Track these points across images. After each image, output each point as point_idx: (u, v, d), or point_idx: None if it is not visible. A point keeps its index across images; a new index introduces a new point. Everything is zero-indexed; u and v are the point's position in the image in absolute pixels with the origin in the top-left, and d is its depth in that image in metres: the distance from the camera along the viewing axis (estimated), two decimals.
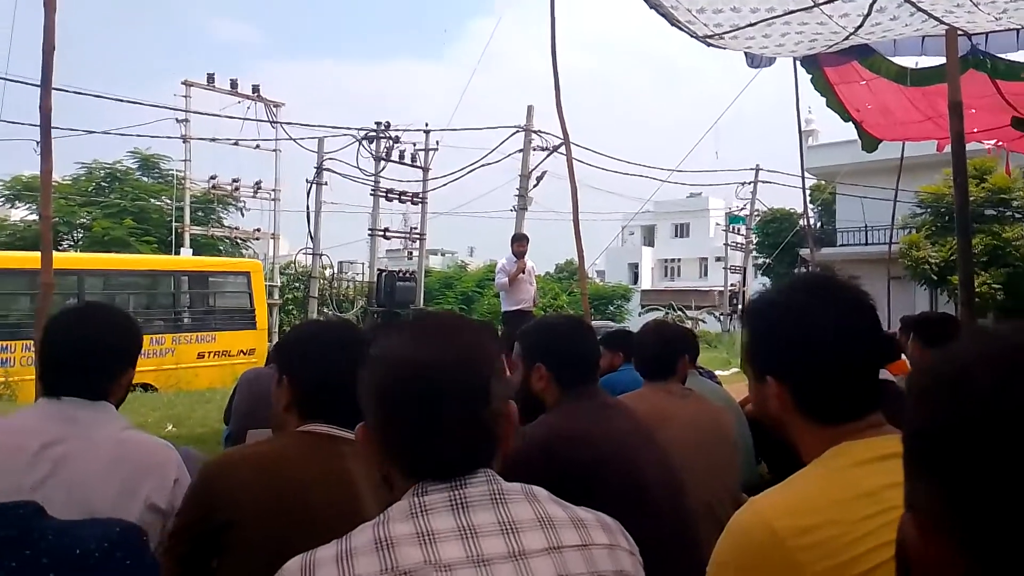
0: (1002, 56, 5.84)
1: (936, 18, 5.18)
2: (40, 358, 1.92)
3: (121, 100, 17.44)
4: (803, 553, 0.99)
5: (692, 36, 5.95)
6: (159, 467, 1.84)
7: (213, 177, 19.97)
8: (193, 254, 17.60)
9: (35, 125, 3.88)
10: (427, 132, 18.24)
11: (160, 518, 1.77)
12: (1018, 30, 5.61)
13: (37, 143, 3.92)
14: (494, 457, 1.08)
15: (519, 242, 8.46)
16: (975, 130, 7.17)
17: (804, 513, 1.03)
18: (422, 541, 0.96)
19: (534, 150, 17.31)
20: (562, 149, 7.29)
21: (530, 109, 17.55)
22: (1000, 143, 8.16)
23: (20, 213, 22.86)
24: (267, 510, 1.49)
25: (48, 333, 1.94)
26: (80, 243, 21.31)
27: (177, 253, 17.74)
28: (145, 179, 23.13)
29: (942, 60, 5.58)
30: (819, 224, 28.29)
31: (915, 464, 0.53)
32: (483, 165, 16.84)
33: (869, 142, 7.74)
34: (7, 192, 22.11)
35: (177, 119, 18.39)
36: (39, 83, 3.74)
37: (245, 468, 1.57)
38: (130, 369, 1.97)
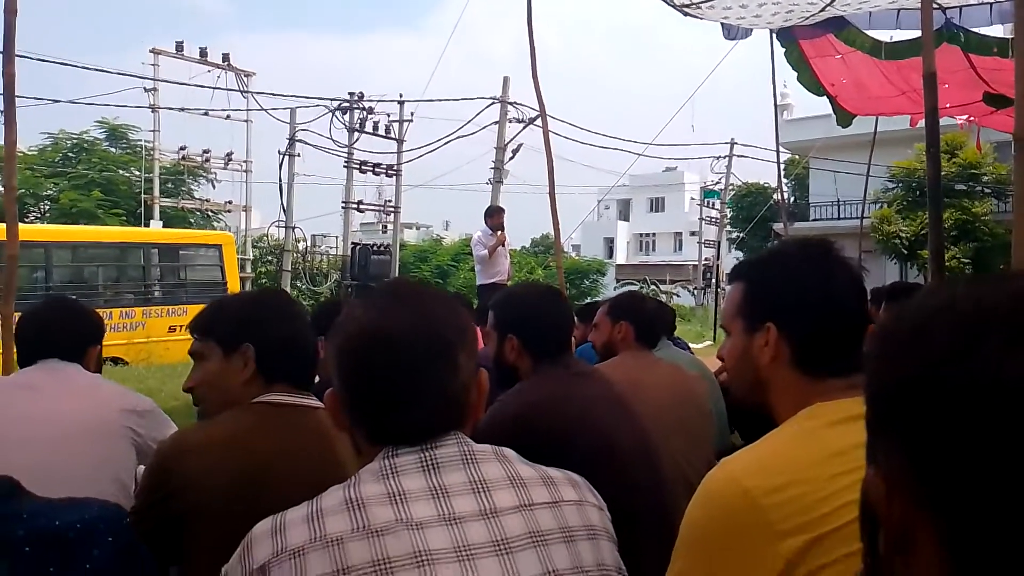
0: (975, 30, 5.88)
1: None
2: (19, 340, 2.26)
3: (87, 68, 16.93)
4: (774, 511, 1.00)
5: (669, 5, 5.92)
6: (128, 392, 2.24)
7: (183, 148, 19.63)
8: (163, 226, 17.32)
9: None
10: (401, 103, 18.04)
11: (133, 434, 2.10)
12: (991, 4, 5.65)
13: (0, 112, 3.81)
14: (464, 424, 1.08)
15: (496, 215, 8.43)
16: (947, 105, 7.23)
17: (775, 472, 1.04)
18: (393, 501, 0.96)
19: (510, 122, 17.19)
20: (538, 122, 7.25)
21: (506, 80, 17.40)
22: (972, 118, 8.25)
23: None
24: (229, 489, 1.45)
25: (24, 319, 2.29)
26: (47, 215, 20.90)
27: (147, 225, 17.45)
28: (113, 150, 22.64)
29: (917, 33, 5.60)
30: (792, 199, 28.50)
31: (875, 422, 0.53)
32: (458, 137, 16.71)
33: (844, 117, 7.78)
34: None
35: (145, 88, 18.00)
36: (0, 49, 3.63)
37: (204, 450, 1.52)
38: (97, 345, 2.32)
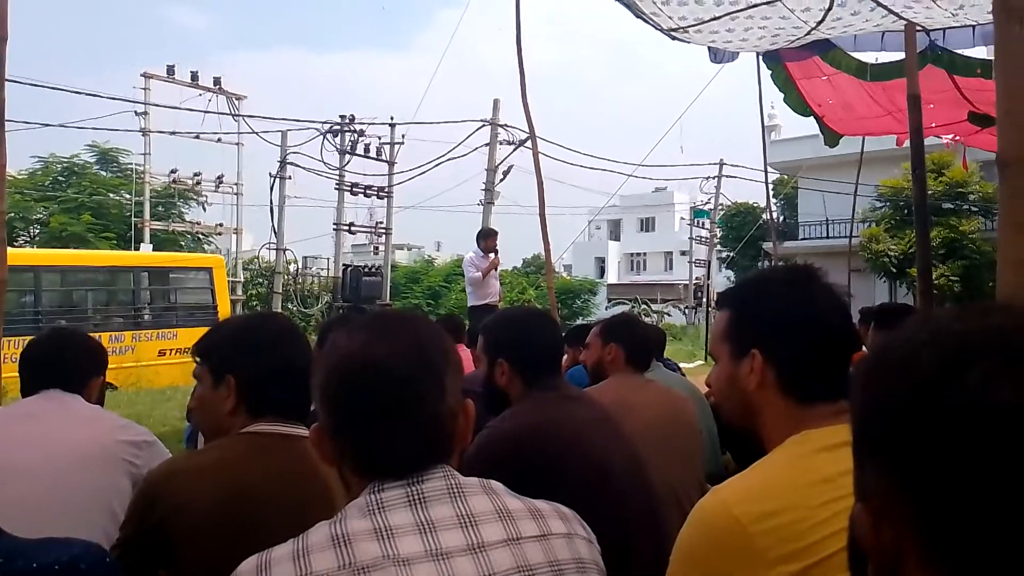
0: (959, 52, 5.96)
1: (895, 13, 5.26)
2: (22, 370, 2.27)
3: (78, 92, 16.88)
4: (763, 538, 1.00)
5: (656, 29, 5.98)
6: (130, 425, 2.27)
7: (174, 171, 19.62)
8: (154, 250, 17.29)
9: None
10: (392, 125, 18.08)
11: (130, 466, 2.09)
12: (974, 26, 5.72)
13: None
14: (451, 454, 1.07)
15: (490, 238, 8.45)
16: (933, 124, 7.31)
17: (764, 499, 1.04)
18: (380, 536, 0.95)
19: (501, 144, 17.27)
20: (528, 144, 7.28)
21: (496, 103, 17.49)
22: (957, 137, 8.33)
23: None
24: (215, 520, 1.43)
25: (28, 348, 2.31)
26: (37, 239, 20.82)
27: (137, 249, 17.40)
28: (104, 173, 22.63)
29: (901, 55, 5.67)
30: (782, 218, 28.67)
31: (864, 448, 0.53)
32: (449, 159, 16.75)
33: (831, 137, 7.86)
34: None
35: (136, 112, 18.01)
36: None
37: (193, 476, 1.50)
38: (100, 377, 2.37)
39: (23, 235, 20.82)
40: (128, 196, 20.43)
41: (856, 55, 6.41)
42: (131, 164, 21.09)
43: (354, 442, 1.04)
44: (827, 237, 25.35)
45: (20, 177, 20.78)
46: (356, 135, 17.49)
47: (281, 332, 1.68)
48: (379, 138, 17.97)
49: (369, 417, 1.02)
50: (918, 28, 5.02)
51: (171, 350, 12.59)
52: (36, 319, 11.28)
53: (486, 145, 17.26)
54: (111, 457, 2.10)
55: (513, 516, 1.03)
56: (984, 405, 0.45)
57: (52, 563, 0.84)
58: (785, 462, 1.11)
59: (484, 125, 17.14)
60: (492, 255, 8.26)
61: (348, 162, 17.65)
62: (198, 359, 1.68)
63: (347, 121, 17.39)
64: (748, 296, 1.30)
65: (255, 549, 0.98)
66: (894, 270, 21.16)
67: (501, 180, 17.23)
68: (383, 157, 18.12)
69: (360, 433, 1.04)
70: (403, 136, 18.13)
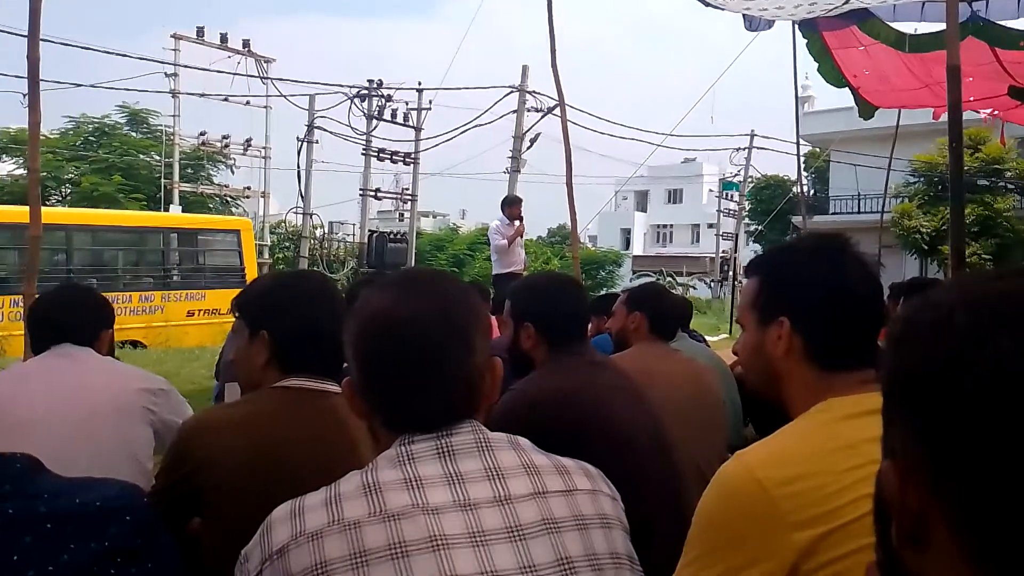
0: (1001, 23, 5.80)
1: None
2: (31, 327, 2.32)
3: (109, 52, 17.02)
4: (785, 502, 1.01)
5: None
6: (145, 373, 2.33)
7: (203, 133, 19.75)
8: (182, 211, 17.45)
9: (22, 77, 3.81)
10: (420, 91, 18.03)
11: (149, 413, 2.17)
12: None
13: (24, 95, 3.85)
14: (478, 410, 1.09)
15: (515, 205, 8.43)
16: (971, 99, 7.14)
17: (788, 464, 1.05)
18: (410, 486, 0.98)
19: (528, 111, 17.14)
20: (557, 111, 7.23)
21: (524, 69, 17.32)
22: (995, 112, 8.13)
23: (6, 167, 22.55)
24: (249, 472, 1.47)
25: (35, 305, 2.36)
26: (68, 198, 21.09)
27: (166, 210, 17.57)
28: (134, 134, 22.79)
29: (942, 26, 5.53)
30: (812, 191, 28.28)
31: (893, 408, 0.53)
32: (476, 126, 16.68)
33: (866, 109, 7.71)
34: None
35: (166, 73, 18.09)
36: (26, 33, 3.67)
37: (224, 429, 1.54)
38: (109, 329, 2.37)
39: (55, 194, 21.09)
40: (158, 157, 20.60)
41: (895, 25, 6.26)
42: (161, 125, 21.22)
43: (384, 397, 1.07)
44: (858, 212, 24.99)
45: (52, 137, 21.00)
46: (383, 100, 17.47)
47: (315, 291, 1.70)
48: (406, 103, 17.95)
49: (399, 372, 1.05)
50: None
51: (199, 311, 12.77)
52: (68, 277, 11.47)
53: (513, 112, 17.16)
54: (131, 405, 2.16)
55: (539, 471, 1.05)
56: (1015, 370, 0.45)
57: (93, 500, 0.87)
58: (809, 428, 1.12)
59: (512, 91, 17.02)
60: (517, 222, 8.25)
61: (375, 127, 17.65)
62: (237, 312, 1.73)
63: (375, 86, 17.35)
64: (778, 263, 1.30)
65: (284, 500, 1.01)
66: (925, 247, 20.85)
67: (528, 148, 17.14)
68: (410, 123, 18.09)
69: (390, 388, 1.06)
70: (430, 102, 18.10)
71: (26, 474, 0.88)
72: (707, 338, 6.60)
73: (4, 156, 22.17)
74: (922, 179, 21.84)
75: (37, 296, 2.41)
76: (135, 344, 10.99)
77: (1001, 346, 0.46)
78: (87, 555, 0.82)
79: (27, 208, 3.83)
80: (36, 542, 0.80)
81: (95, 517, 0.86)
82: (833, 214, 26.33)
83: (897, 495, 0.51)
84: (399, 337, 1.05)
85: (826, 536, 0.99)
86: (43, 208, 3.98)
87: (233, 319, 1.85)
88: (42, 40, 3.76)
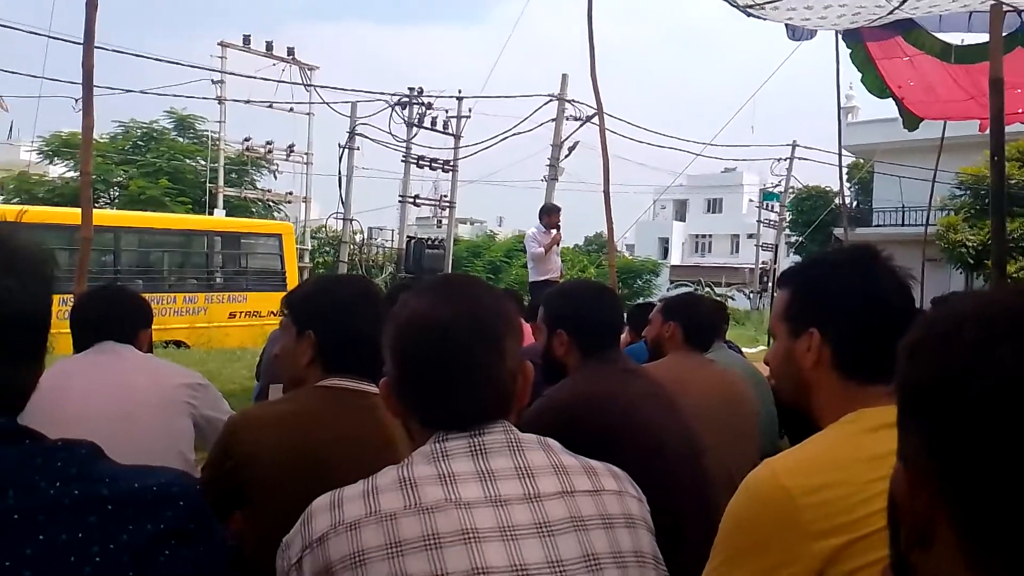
0: None
1: None
2: (74, 326, 2.40)
3: (159, 60, 17.53)
4: (810, 511, 1.03)
5: (732, 5, 5.86)
6: (184, 369, 2.44)
7: (247, 139, 20.11)
8: (226, 215, 17.78)
9: (75, 83, 3.96)
10: (460, 99, 18.15)
11: (190, 408, 2.25)
12: None
13: (76, 100, 4.00)
14: (510, 411, 1.13)
15: (553, 214, 8.46)
16: (1020, 110, 6.99)
17: (814, 472, 1.06)
18: (443, 481, 1.02)
19: (567, 120, 17.16)
20: (595, 120, 7.24)
21: (564, 77, 17.36)
22: None
23: (58, 170, 23.20)
24: (290, 467, 1.53)
25: (77, 304, 2.45)
26: (116, 201, 21.61)
27: (211, 214, 17.93)
28: (181, 139, 23.30)
29: (987, 37, 5.44)
30: (855, 203, 27.83)
31: (905, 417, 0.55)
32: (515, 134, 16.74)
33: (910, 120, 7.59)
34: (47, 148, 22.44)
35: (212, 80, 18.51)
36: (81, 40, 3.80)
37: (268, 426, 1.60)
38: (148, 328, 2.48)
39: (104, 197, 21.63)
40: (203, 162, 21.04)
41: (940, 36, 6.17)
42: (207, 131, 21.67)
43: (419, 396, 1.11)
44: (902, 224, 24.52)
45: (102, 141, 21.53)
46: (424, 108, 17.62)
47: (359, 295, 1.76)
48: (446, 111, 18.08)
49: (433, 373, 1.09)
50: (1008, 8, 4.81)
51: (241, 312, 13.00)
52: (115, 278, 11.76)
53: (552, 120, 17.19)
54: (173, 400, 2.24)
55: (568, 471, 1.09)
56: (1017, 380, 0.47)
57: (150, 485, 0.93)
58: (837, 438, 1.13)
59: (551, 100, 17.06)
60: (554, 231, 8.28)
61: (415, 134, 17.82)
62: (285, 311, 1.80)
63: (415, 94, 17.51)
64: (808, 275, 1.31)
65: (324, 493, 1.06)
66: (971, 261, 20.38)
67: (566, 156, 17.16)
68: (449, 130, 18.22)
69: (425, 388, 1.10)
70: (470, 110, 18.19)
71: (90, 459, 0.93)
72: (744, 349, 6.54)
73: (56, 159, 22.81)
74: (968, 192, 21.36)
75: (79, 296, 2.50)
76: (178, 344, 11.23)
77: (1005, 358, 0.48)
78: (144, 536, 0.87)
79: (78, 210, 3.96)
80: (99, 522, 0.85)
81: (152, 501, 0.91)
82: (876, 226, 25.88)
83: (906, 499, 0.53)
84: (434, 340, 1.09)
85: (849, 545, 1.00)
86: (94, 210, 4.11)
87: (274, 320, 1.92)
88: (96, 48, 3.90)
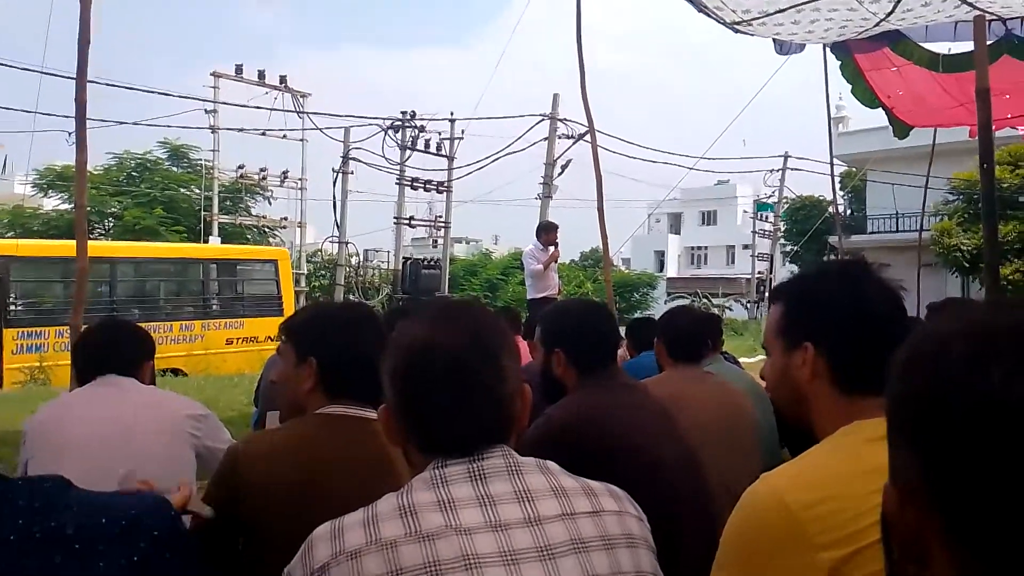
0: None
1: (968, 3, 5.09)
2: (77, 359, 2.42)
3: (152, 91, 17.64)
4: (813, 524, 1.03)
5: (719, 22, 5.91)
6: (187, 400, 2.45)
7: (241, 167, 20.15)
8: (221, 242, 17.81)
9: (70, 117, 3.97)
10: (452, 121, 18.26)
11: (193, 438, 2.26)
12: None
13: (70, 134, 4.01)
14: (510, 434, 1.13)
15: (551, 231, 8.48)
16: (1009, 115, 7.06)
17: (813, 487, 1.06)
18: (443, 508, 1.02)
19: (559, 138, 17.26)
20: (587, 137, 7.28)
21: (555, 97, 17.50)
22: None
23: (52, 202, 23.24)
24: (292, 495, 1.52)
25: (81, 339, 2.45)
26: (111, 232, 21.63)
27: (206, 242, 17.96)
28: (175, 169, 23.36)
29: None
30: (849, 211, 27.96)
31: (895, 433, 0.56)
32: (508, 153, 16.85)
33: (900, 129, 7.64)
34: (41, 182, 22.48)
35: (206, 110, 18.57)
36: (74, 75, 3.82)
37: (271, 455, 1.60)
38: (151, 360, 2.48)
39: (98, 228, 21.64)
40: (198, 191, 21.07)
41: (928, 46, 6.23)
42: (201, 160, 21.74)
43: (419, 421, 1.11)
44: (896, 231, 24.61)
45: (96, 173, 21.58)
46: (417, 131, 17.72)
47: (363, 321, 1.77)
48: (439, 133, 18.19)
49: (432, 399, 1.09)
50: (994, 17, 4.86)
51: (238, 339, 13.00)
52: (111, 308, 11.75)
53: (545, 139, 17.29)
54: (176, 431, 2.25)
55: (567, 493, 1.09)
56: (1004, 403, 0.47)
57: (119, 519, 0.93)
58: (834, 451, 1.13)
59: (543, 119, 17.18)
60: (552, 248, 8.29)
61: (409, 157, 17.91)
62: (284, 337, 1.79)
63: (408, 117, 17.61)
64: (800, 290, 1.31)
65: (326, 521, 1.05)
66: (967, 265, 20.42)
67: (560, 174, 17.25)
68: (443, 152, 18.30)
69: (424, 413, 1.11)
70: (463, 131, 18.30)
71: (56, 492, 0.93)
72: (743, 359, 6.54)
73: (51, 191, 22.85)
74: (961, 197, 21.45)
75: (83, 330, 2.51)
76: (176, 372, 11.20)
77: (992, 375, 0.48)
78: (118, 569, 0.87)
79: (72, 242, 3.96)
80: (65, 561, 0.85)
81: (120, 535, 0.91)
82: (871, 233, 25.97)
83: (897, 514, 0.53)
84: (433, 364, 1.09)
85: (851, 558, 1.00)
86: (88, 242, 4.11)
87: (271, 346, 1.92)
88: (88, 82, 3.92)
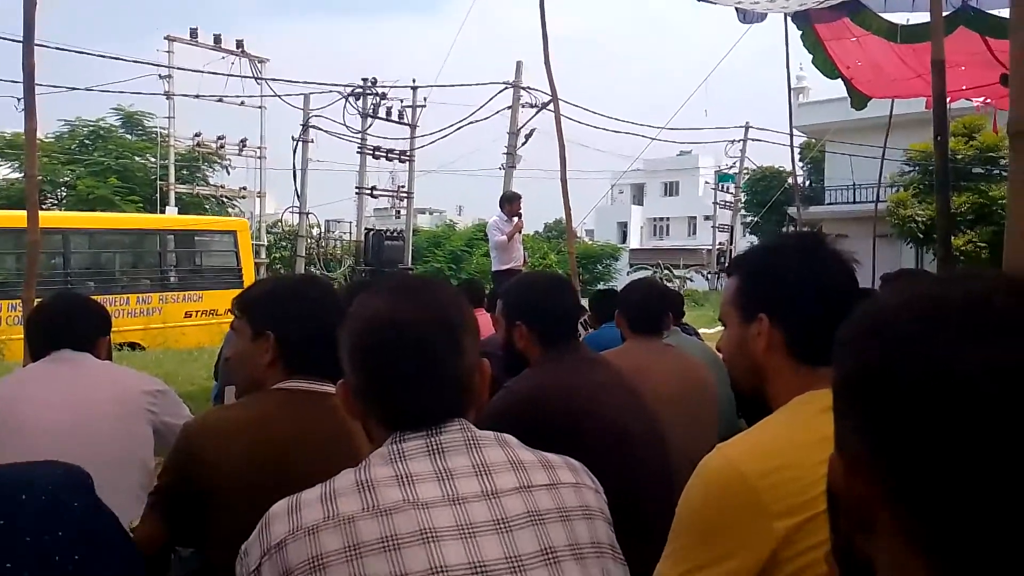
0: (992, 12, 5.82)
1: None
2: (30, 334, 2.37)
3: (104, 56, 16.97)
4: (767, 493, 1.06)
5: None
6: (144, 375, 2.42)
7: (198, 135, 19.71)
8: (179, 213, 17.43)
9: (17, 82, 3.84)
10: (414, 88, 18.05)
11: (150, 414, 2.23)
12: None
13: (19, 100, 3.88)
14: (468, 409, 1.14)
15: (514, 202, 8.44)
16: (964, 87, 7.17)
17: (769, 456, 1.09)
18: (401, 482, 1.03)
19: (523, 107, 17.17)
20: (551, 107, 7.25)
21: (519, 65, 17.36)
22: (988, 100, 8.16)
23: (2, 171, 22.53)
24: (250, 473, 1.50)
25: (34, 313, 2.40)
26: (64, 202, 21.07)
27: (162, 212, 17.57)
28: (129, 137, 22.75)
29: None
30: (808, 182, 28.30)
31: (841, 403, 0.57)
32: (471, 122, 16.71)
33: (859, 99, 7.73)
34: None
35: (160, 75, 18.06)
36: (21, 39, 3.69)
37: (229, 432, 1.57)
38: (106, 336, 2.42)
39: (51, 198, 21.07)
40: (153, 160, 20.57)
41: (887, 16, 6.29)
42: (156, 128, 21.19)
43: (377, 397, 1.12)
44: (854, 202, 25.00)
45: (47, 141, 20.93)
46: (378, 98, 17.48)
47: (322, 295, 1.74)
48: (401, 101, 17.96)
49: (392, 373, 1.10)
50: None
51: (197, 312, 12.80)
52: (65, 281, 11.49)
53: (508, 108, 17.19)
54: (133, 408, 2.22)
55: (525, 466, 1.10)
56: (948, 374, 0.48)
57: (39, 494, 0.91)
58: (789, 421, 1.16)
59: (506, 87, 17.06)
60: (516, 218, 8.27)
61: (370, 125, 17.69)
62: (238, 313, 1.75)
63: (369, 84, 17.36)
64: (756, 262, 1.34)
65: (285, 498, 1.05)
66: (921, 236, 20.87)
67: (523, 143, 17.19)
68: (405, 120, 18.10)
69: (383, 388, 1.11)
70: (425, 99, 18.11)
71: None
72: (703, 330, 6.63)
73: (0, 160, 22.15)
74: (917, 168, 21.85)
75: (36, 304, 2.45)
76: (133, 346, 11.01)
77: (940, 346, 0.49)
78: (43, 546, 0.87)
79: (24, 212, 3.86)
80: None
81: (45, 509, 0.90)
82: (829, 204, 26.36)
83: (843, 485, 0.55)
84: (392, 340, 1.09)
85: (803, 525, 1.03)
86: (41, 212, 4.00)
87: (230, 319, 1.88)
88: (37, 45, 3.78)
